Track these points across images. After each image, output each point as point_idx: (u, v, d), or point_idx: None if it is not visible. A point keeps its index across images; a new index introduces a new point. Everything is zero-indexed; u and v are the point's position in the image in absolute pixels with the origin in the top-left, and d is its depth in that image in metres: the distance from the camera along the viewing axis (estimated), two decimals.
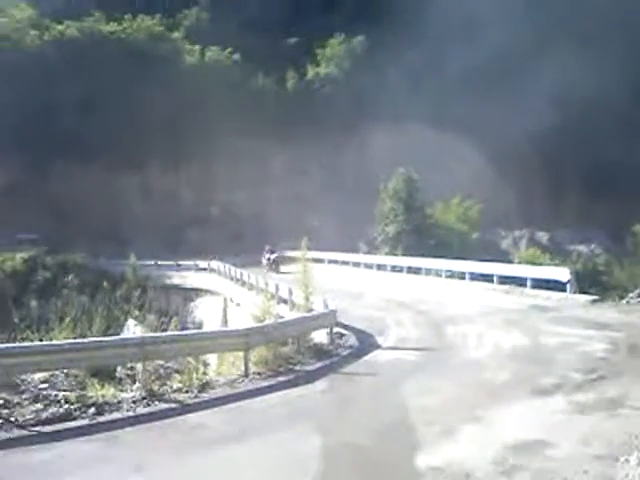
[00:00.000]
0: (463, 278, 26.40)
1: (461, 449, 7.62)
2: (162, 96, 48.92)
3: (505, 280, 23.82)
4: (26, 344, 10.54)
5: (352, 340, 15.65)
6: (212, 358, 14.43)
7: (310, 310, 16.17)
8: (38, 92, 46.74)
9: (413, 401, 9.85)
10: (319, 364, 13.16)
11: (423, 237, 36.53)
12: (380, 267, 33.89)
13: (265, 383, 11.51)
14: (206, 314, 27.80)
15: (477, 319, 17.33)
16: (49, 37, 55.93)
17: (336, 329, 15.92)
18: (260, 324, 13.58)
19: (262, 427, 8.86)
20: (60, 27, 56.97)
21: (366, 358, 13.53)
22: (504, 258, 33.68)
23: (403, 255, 34.49)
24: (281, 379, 11.79)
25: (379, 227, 40.59)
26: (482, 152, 45.22)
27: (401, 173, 39.51)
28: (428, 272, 29.44)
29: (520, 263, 31.02)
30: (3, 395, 9.63)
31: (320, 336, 15.41)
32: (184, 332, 13.98)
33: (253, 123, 51.13)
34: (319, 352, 14.15)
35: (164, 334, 12.48)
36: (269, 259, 36.18)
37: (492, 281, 24.32)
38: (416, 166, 39.70)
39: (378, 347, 14.68)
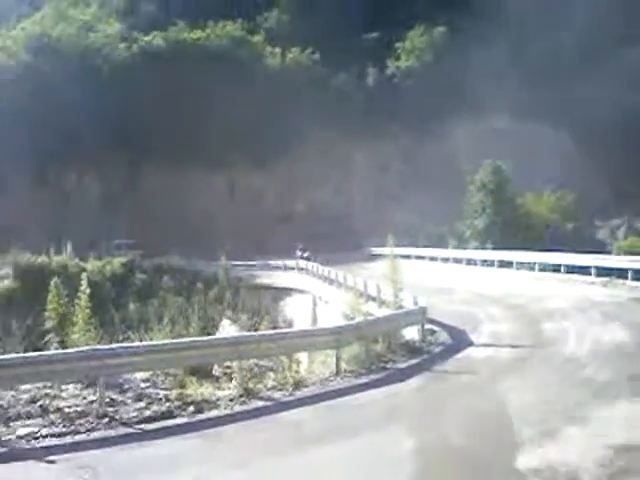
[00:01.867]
0: (558, 271, 25.45)
1: (564, 450, 7.35)
2: (246, 99, 49.91)
3: (604, 272, 22.76)
4: (128, 345, 10.99)
5: (444, 337, 15.42)
6: (303, 356, 14.60)
7: (400, 307, 16.04)
8: (128, 102, 48.83)
9: (511, 400, 9.59)
10: (411, 362, 13.05)
11: (514, 230, 35.48)
12: (470, 262, 33.22)
13: (357, 381, 11.53)
14: (296, 312, 28.15)
15: (574, 314, 16.67)
16: (137, 49, 58.30)
17: (427, 326, 15.73)
18: (350, 322, 13.61)
19: (356, 426, 8.86)
20: (147, 38, 59.30)
21: (459, 355, 13.30)
22: (601, 249, 32.19)
23: (493, 249, 33.63)
24: (373, 377, 11.77)
25: (467, 221, 39.79)
26: (571, 140, 43.47)
27: (489, 164, 38.55)
28: (520, 266, 28.59)
29: (619, 254, 29.55)
30: (109, 394, 10.09)
31: (411, 333, 15.27)
32: (276, 331, 14.21)
33: (335, 120, 51.39)
34: (410, 349, 14.03)
35: (257, 333, 12.72)
36: (302, 257, 35.64)
37: (589, 274, 23.31)
38: (503, 157, 38.68)
39: (471, 344, 14.39)
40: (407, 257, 32.07)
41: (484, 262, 31.90)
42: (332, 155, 52.29)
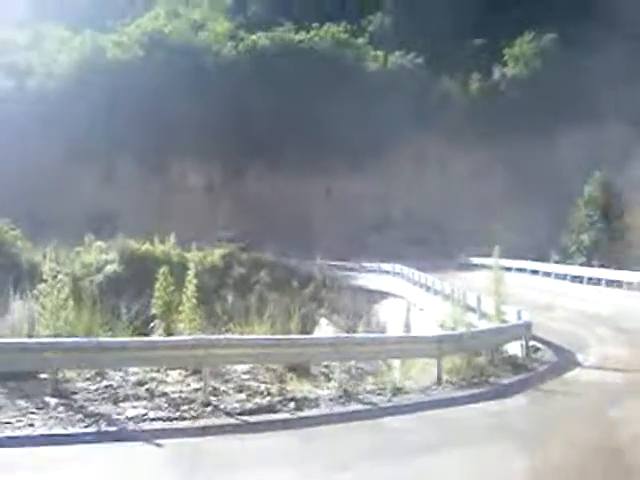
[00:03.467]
0: None
1: None
2: (346, 101, 50.07)
3: None
4: (234, 337, 11.19)
5: (549, 355, 14.73)
6: (396, 362, 14.34)
7: (503, 320, 15.47)
8: (234, 100, 50.15)
9: (624, 429, 8.97)
10: (515, 378, 12.52)
11: (622, 247, 33.59)
12: (574, 278, 31.70)
13: (459, 393, 11.18)
14: (389, 317, 27.81)
15: None
16: (243, 48, 59.80)
17: (531, 342, 15.07)
18: (454, 332, 13.26)
19: (458, 439, 8.58)
20: (253, 37, 60.69)
21: (566, 376, 12.64)
22: None
23: (600, 266, 31.94)
24: (475, 390, 11.37)
25: (573, 235, 38.06)
26: None
27: (598, 177, 36.72)
28: (629, 286, 26.98)
29: None
30: (212, 383, 10.26)
31: (513, 349, 14.68)
32: (378, 335, 14.09)
33: (436, 126, 50.69)
34: (514, 365, 13.47)
35: (357, 335, 12.65)
36: None
37: None
38: (615, 169, 36.70)
39: (578, 365, 13.67)
40: (507, 269, 31.00)
41: (590, 279, 30.34)
42: (430, 161, 51.61)
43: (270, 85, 52.24)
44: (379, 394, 10.77)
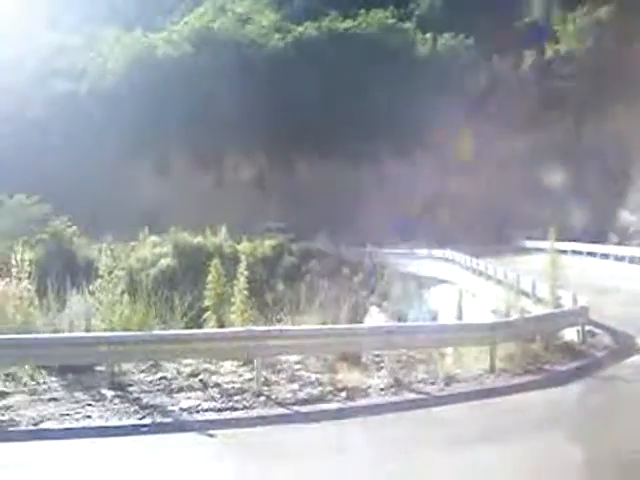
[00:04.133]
0: None
1: None
2: (395, 87, 49.58)
3: None
4: (286, 328, 11.26)
5: (607, 340, 14.29)
6: (449, 349, 14.15)
7: (559, 305, 15.08)
8: (282, 90, 50.31)
9: None
10: (571, 365, 12.19)
11: None
12: (632, 260, 30.64)
13: (513, 381, 10.95)
14: (440, 303, 27.50)
15: None
16: (290, 39, 59.84)
17: (588, 327, 14.64)
18: (507, 318, 13.00)
19: (513, 429, 8.40)
20: (300, 29, 60.67)
21: (627, 362, 12.27)
22: None
23: None
24: (530, 378, 11.12)
25: (632, 215, 36.76)
26: None
27: None
28: None
29: None
30: (264, 374, 10.35)
31: (570, 334, 14.29)
32: (429, 323, 13.90)
33: (487, 108, 49.60)
34: (570, 352, 13.11)
35: (409, 323, 12.53)
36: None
37: None
38: None
39: (639, 350, 13.20)
40: (563, 252, 30.19)
41: None
42: (482, 144, 50.49)
43: (318, 75, 52.16)
44: (431, 383, 10.65)
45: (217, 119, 50.11)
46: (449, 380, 10.78)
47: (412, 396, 9.99)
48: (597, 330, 15.05)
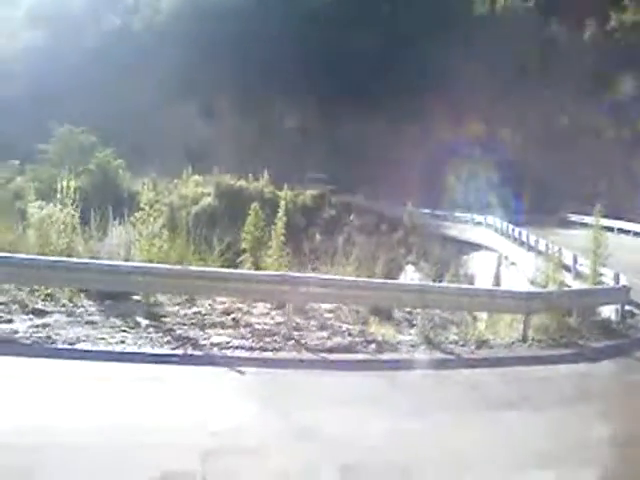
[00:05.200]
0: None
1: None
2: (450, 47, 48.09)
3: None
4: (320, 276, 11.24)
5: None
6: (483, 315, 14.03)
7: (599, 282, 14.73)
8: (334, 43, 49.35)
9: None
10: (606, 342, 11.93)
11: None
12: None
13: (545, 352, 10.82)
14: (478, 269, 27.31)
15: None
16: None
17: (628, 307, 14.29)
18: (544, 289, 12.77)
19: (541, 398, 8.34)
20: None
21: None
22: None
23: None
24: (563, 351, 10.95)
25: None
26: None
27: None
28: None
29: None
30: (295, 319, 10.43)
31: (608, 312, 13.99)
32: (466, 286, 13.80)
33: (542, 75, 47.89)
34: (606, 329, 12.83)
35: (445, 285, 12.44)
36: None
37: None
38: None
39: None
40: (609, 229, 29.39)
41: None
42: (534, 111, 48.97)
43: (371, 28, 50.93)
44: (462, 345, 10.60)
45: (267, 65, 49.59)
46: (480, 344, 10.71)
47: (441, 356, 9.97)
48: (637, 311, 14.68)
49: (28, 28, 55.68)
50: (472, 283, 23.65)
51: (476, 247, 30.02)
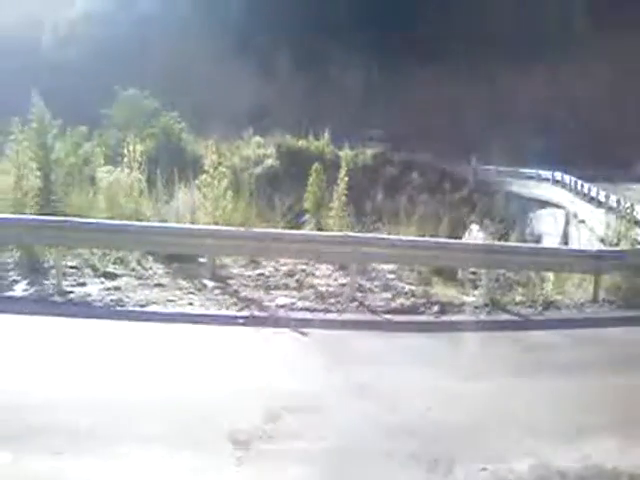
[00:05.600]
0: None
1: None
2: None
3: None
4: (382, 236, 11.14)
5: None
6: (549, 274, 13.65)
7: None
8: None
9: None
10: None
11: None
12: None
13: (617, 313, 10.45)
14: (545, 227, 26.54)
15: None
16: None
17: None
18: (616, 248, 12.30)
19: (612, 362, 8.02)
20: None
21: None
22: None
23: None
24: (636, 313, 10.53)
25: None
26: None
27: None
28: None
29: None
30: (358, 280, 10.43)
31: None
32: (531, 245, 13.46)
33: (612, 23, 45.12)
34: None
35: (510, 244, 12.11)
36: None
37: None
38: None
39: None
40: None
41: None
42: (603, 63, 46.43)
43: None
44: (529, 306, 10.38)
45: (325, 19, 48.79)
46: (548, 305, 10.47)
47: (507, 317, 9.81)
48: None
49: None
50: (539, 242, 23.06)
51: (543, 204, 29.16)
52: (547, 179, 32.91)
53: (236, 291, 9.73)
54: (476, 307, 10.05)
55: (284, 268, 10.97)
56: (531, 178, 34.47)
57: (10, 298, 8.97)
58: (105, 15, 52.22)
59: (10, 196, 11.34)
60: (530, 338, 8.90)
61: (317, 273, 11.00)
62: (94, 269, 10.15)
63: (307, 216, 14.16)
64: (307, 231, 12.68)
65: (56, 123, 11.87)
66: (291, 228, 12.63)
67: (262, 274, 10.62)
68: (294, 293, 9.93)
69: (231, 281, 10.15)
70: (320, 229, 13.01)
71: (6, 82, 39.85)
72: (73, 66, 47.86)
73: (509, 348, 8.39)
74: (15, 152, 11.29)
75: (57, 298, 9.06)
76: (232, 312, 8.93)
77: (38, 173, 11.46)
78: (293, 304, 9.42)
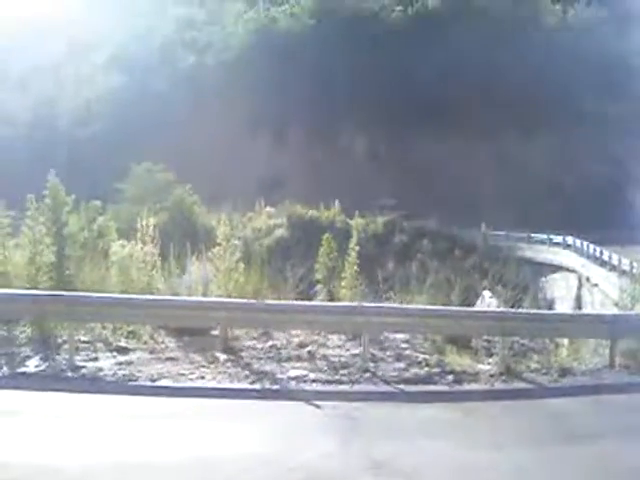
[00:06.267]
0: None
1: None
2: (519, 61, 47.38)
3: None
4: (395, 305, 11.16)
5: None
6: (564, 341, 13.50)
7: None
8: (398, 63, 49.52)
9: None
10: None
11: None
12: None
13: (635, 379, 10.25)
14: (558, 292, 26.40)
15: None
16: (413, 12, 58.69)
17: None
18: (632, 312, 12.19)
19: (631, 429, 7.82)
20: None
21: None
22: None
23: None
24: None
25: None
26: None
27: None
28: None
29: None
30: (371, 350, 10.36)
31: None
32: (545, 311, 13.39)
33: (619, 87, 46.30)
34: None
35: (524, 311, 12.04)
36: None
37: None
38: None
39: None
40: None
41: None
42: (613, 127, 47.28)
43: (440, 48, 50.76)
44: (544, 374, 10.22)
45: (335, 92, 50.25)
46: (564, 372, 10.29)
47: (522, 385, 9.65)
48: None
49: (107, 73, 58.65)
50: (552, 307, 22.89)
51: (555, 268, 29.06)
52: (558, 243, 32.89)
53: (248, 364, 9.69)
54: (491, 375, 9.90)
55: (296, 339, 10.95)
56: (542, 242, 34.47)
57: (23, 374, 9.00)
58: (123, 93, 54.07)
59: (24, 272, 11.51)
60: (547, 406, 8.73)
61: (329, 344, 10.96)
62: (106, 343, 10.19)
63: (319, 286, 14.19)
64: (318, 302, 12.70)
65: (70, 198, 12.12)
66: (303, 299, 12.66)
67: (274, 346, 10.59)
68: (306, 364, 9.87)
69: (243, 353, 10.13)
70: (332, 299, 13.03)
71: (24, 157, 41.12)
72: (90, 144, 49.27)
73: (526, 417, 8.24)
74: (30, 228, 11.52)
75: (69, 374, 9.08)
76: (244, 385, 8.87)
77: (53, 248, 11.64)
78: (305, 376, 9.35)
